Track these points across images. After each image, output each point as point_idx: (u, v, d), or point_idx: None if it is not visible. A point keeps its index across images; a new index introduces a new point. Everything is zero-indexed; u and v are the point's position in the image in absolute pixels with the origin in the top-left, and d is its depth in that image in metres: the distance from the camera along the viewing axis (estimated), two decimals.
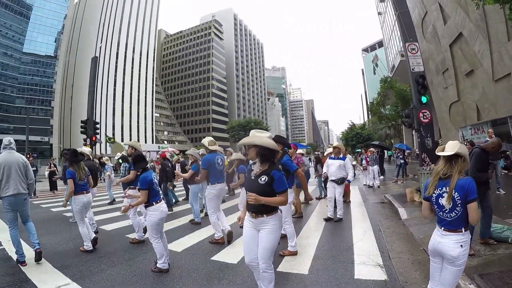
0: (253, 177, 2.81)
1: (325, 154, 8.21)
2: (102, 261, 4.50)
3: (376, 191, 11.47)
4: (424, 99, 8.92)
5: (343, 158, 6.92)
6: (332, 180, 6.78)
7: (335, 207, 6.85)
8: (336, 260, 4.23)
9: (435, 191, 2.36)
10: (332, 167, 6.80)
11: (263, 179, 2.73)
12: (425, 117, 8.81)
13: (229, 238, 5.22)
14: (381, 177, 14.05)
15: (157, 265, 3.98)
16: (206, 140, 5.58)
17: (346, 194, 9.03)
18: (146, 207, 4.11)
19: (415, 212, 6.66)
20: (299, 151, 8.48)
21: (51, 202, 10.98)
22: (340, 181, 6.72)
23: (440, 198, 2.31)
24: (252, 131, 3.12)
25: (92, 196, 5.59)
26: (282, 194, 2.74)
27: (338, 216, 6.73)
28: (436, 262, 2.39)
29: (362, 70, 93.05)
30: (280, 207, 2.87)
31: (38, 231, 5.92)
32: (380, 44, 66.04)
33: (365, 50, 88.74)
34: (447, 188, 2.27)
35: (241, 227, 3.01)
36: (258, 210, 2.77)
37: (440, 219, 2.35)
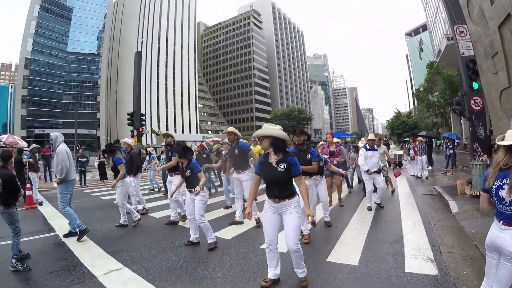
0: (274, 165, 3.10)
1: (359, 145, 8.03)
2: (153, 247, 4.68)
3: (424, 182, 11.04)
4: (475, 85, 8.40)
5: (376, 150, 7.04)
6: (373, 172, 6.71)
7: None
8: (386, 252, 4.14)
9: (495, 183, 2.21)
10: (373, 158, 6.75)
11: (282, 166, 3.07)
12: (476, 105, 8.30)
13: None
14: (430, 167, 13.50)
15: (210, 241, 4.53)
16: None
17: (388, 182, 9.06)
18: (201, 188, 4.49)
19: (466, 206, 6.34)
20: (335, 139, 8.55)
21: (101, 191, 11.59)
22: (379, 170, 6.81)
23: (500, 190, 2.16)
24: (264, 125, 3.42)
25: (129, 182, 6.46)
26: (297, 177, 3.12)
27: (376, 200, 6.93)
28: (493, 258, 2.25)
29: (406, 55, 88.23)
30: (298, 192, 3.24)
31: (90, 218, 6.63)
32: (424, 27, 62.49)
33: (409, 34, 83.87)
34: (508, 179, 2.12)
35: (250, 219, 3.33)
36: (281, 196, 3.11)
37: (499, 212, 2.20)
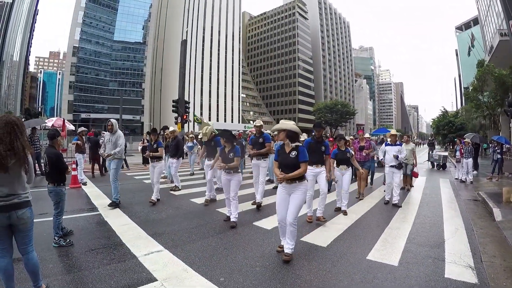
0: (286, 153, 3.90)
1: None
2: (194, 232, 4.85)
3: (468, 186, 10.59)
4: None
5: (400, 144, 7.42)
6: (391, 166, 7.15)
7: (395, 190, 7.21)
8: (426, 255, 4.08)
9: None
10: (391, 153, 7.14)
11: (293, 154, 3.84)
12: None
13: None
14: (475, 172, 12.91)
15: (233, 219, 5.22)
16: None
17: (406, 181, 9.14)
18: (236, 171, 5.29)
19: (511, 215, 6.04)
20: (366, 135, 9.56)
21: (143, 174, 12.00)
22: (399, 166, 7.12)
23: None
24: (281, 121, 4.14)
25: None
26: (303, 163, 3.79)
27: (394, 200, 7.06)
28: None
29: (456, 50, 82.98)
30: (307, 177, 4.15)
31: (133, 200, 7.13)
32: (476, 21, 58.32)
33: (459, 28, 78.71)
34: None
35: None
36: (293, 178, 3.77)
37: None
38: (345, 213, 6.16)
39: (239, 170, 5.20)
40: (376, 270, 3.61)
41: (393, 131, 7.65)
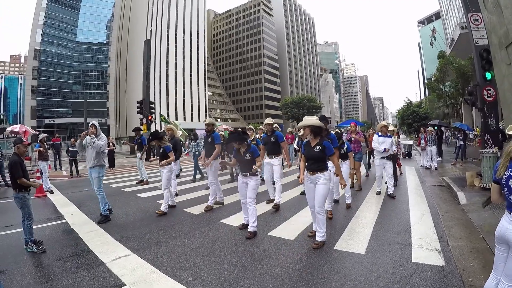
0: (311, 147, 4.14)
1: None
2: (161, 233, 4.74)
3: (433, 173, 10.95)
4: (488, 76, 8.20)
5: (390, 136, 7.34)
6: (382, 158, 7.13)
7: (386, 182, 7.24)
8: (393, 241, 4.14)
9: (505, 173, 2.15)
10: (385, 144, 7.05)
11: (317, 148, 4.08)
12: (489, 95, 8.12)
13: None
14: (439, 158, 13.38)
15: (250, 229, 4.59)
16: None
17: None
18: (253, 173, 4.76)
19: (475, 198, 6.28)
20: (358, 128, 9.57)
21: (110, 178, 11.68)
22: (390, 157, 7.15)
23: (511, 180, 2.11)
24: (304, 117, 4.42)
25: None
26: (332, 157, 4.13)
27: (389, 191, 7.06)
28: (502, 251, 2.19)
29: (419, 44, 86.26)
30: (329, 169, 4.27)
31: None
32: (437, 15, 61.08)
33: (421, 22, 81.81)
34: None
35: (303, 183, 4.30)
36: (315, 169, 4.10)
37: (510, 203, 2.14)
38: (348, 206, 6.16)
39: (257, 173, 4.82)
40: (344, 259, 3.62)
41: (383, 122, 7.53)
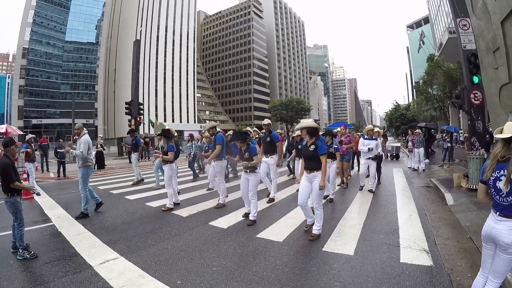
0: (307, 147, 4.52)
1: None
2: (149, 236, 4.68)
3: (421, 174, 11.12)
4: (475, 79, 8.37)
5: (376, 139, 8.00)
6: (368, 158, 7.74)
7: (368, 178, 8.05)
8: (381, 242, 4.17)
9: (492, 174, 2.22)
10: (369, 146, 7.67)
11: (311, 147, 4.43)
12: (476, 99, 8.28)
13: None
14: (427, 160, 13.56)
15: (251, 218, 5.29)
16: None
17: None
18: (253, 170, 5.36)
19: (462, 199, 6.39)
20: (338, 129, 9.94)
21: (98, 180, 11.50)
22: (375, 157, 7.85)
23: (498, 181, 2.18)
24: (302, 120, 4.81)
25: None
26: (322, 156, 4.37)
27: (369, 187, 7.81)
28: (489, 249, 2.27)
29: (407, 47, 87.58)
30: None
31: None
32: (426, 20, 61.91)
33: (410, 26, 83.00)
34: (505, 171, 2.14)
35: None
36: (311, 168, 4.45)
37: (496, 203, 2.22)
38: (331, 200, 6.87)
39: (256, 170, 5.43)
40: (332, 260, 3.63)
41: (369, 126, 8.27)
